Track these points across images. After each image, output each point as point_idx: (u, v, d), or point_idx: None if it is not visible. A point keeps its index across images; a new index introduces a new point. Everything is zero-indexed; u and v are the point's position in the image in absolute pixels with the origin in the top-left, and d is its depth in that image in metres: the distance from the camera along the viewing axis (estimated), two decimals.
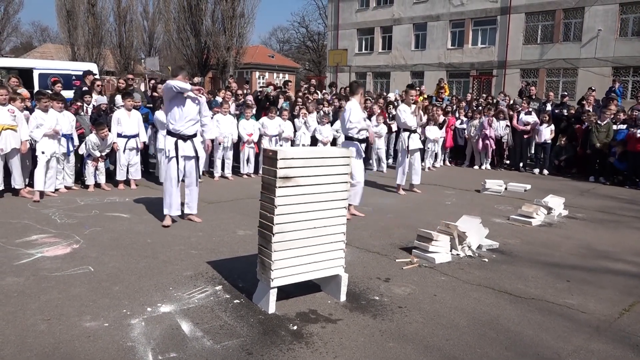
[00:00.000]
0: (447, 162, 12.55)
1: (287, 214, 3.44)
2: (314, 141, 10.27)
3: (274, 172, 3.36)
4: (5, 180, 6.93)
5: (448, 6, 27.23)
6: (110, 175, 8.13)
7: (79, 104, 8.10)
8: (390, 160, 11.68)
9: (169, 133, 5.66)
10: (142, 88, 13.34)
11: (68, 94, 9.36)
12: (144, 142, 8.30)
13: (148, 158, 9.30)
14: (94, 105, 8.48)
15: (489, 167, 11.95)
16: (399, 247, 5.25)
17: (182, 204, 5.94)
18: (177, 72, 5.60)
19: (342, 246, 3.76)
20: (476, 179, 9.65)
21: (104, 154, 7.71)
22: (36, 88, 11.75)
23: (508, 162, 12.28)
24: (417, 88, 12.38)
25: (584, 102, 12.06)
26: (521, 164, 11.83)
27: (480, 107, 12.74)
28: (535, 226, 6.42)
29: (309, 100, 11.21)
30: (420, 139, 8.57)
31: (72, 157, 7.55)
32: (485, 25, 26.20)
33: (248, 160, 9.53)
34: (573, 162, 11.28)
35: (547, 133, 11.20)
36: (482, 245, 5.28)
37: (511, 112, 12.02)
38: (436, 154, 11.91)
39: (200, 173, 6.38)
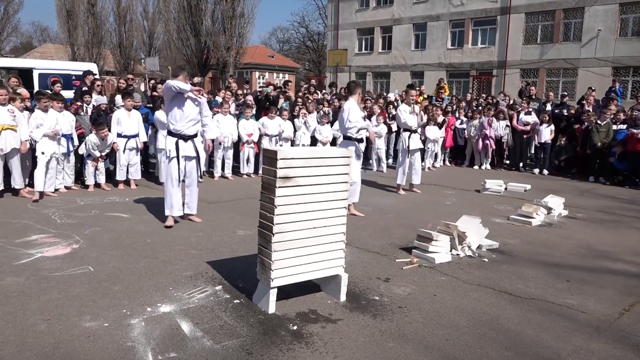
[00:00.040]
0: (447, 162, 12.54)
1: (287, 214, 3.44)
2: (314, 141, 10.28)
3: (274, 172, 3.36)
4: (5, 180, 6.93)
5: (448, 6, 27.24)
6: (110, 175, 8.13)
7: (78, 104, 8.11)
8: (390, 160, 11.68)
9: (170, 133, 5.66)
10: (142, 88, 13.37)
11: (68, 94, 9.36)
12: (144, 142, 8.30)
13: (148, 158, 9.30)
14: (93, 105, 8.48)
15: (488, 167, 11.94)
16: (399, 247, 5.25)
17: (183, 204, 5.94)
18: (177, 72, 5.59)
19: (342, 246, 3.76)
20: (476, 179, 9.65)
21: (103, 154, 7.71)
22: (36, 88, 11.74)
23: (508, 162, 12.27)
24: (417, 88, 12.36)
25: (584, 102, 12.06)
26: (521, 164, 11.82)
27: (480, 107, 12.73)
28: (535, 226, 6.42)
29: (309, 100, 11.22)
30: (420, 139, 8.57)
31: (72, 157, 7.55)
32: (485, 25, 26.21)
33: (248, 160, 9.53)
34: (573, 162, 11.27)
35: (547, 133, 11.19)
36: (482, 245, 5.28)
37: (511, 112, 12.01)
38: (436, 154, 11.90)
39: (201, 173, 6.38)
